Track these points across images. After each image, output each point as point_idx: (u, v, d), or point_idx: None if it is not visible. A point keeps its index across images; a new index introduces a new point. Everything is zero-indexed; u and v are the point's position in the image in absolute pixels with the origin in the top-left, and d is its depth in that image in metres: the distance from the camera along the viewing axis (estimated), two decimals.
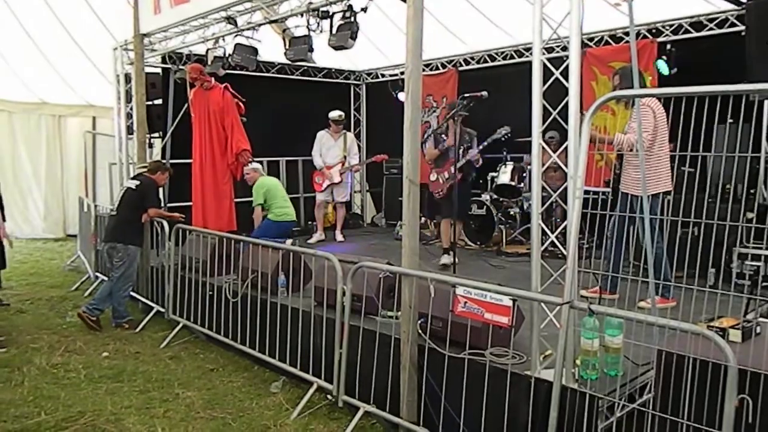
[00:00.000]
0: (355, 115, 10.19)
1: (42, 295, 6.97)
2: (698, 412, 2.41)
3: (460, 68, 8.68)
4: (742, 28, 5.86)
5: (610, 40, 7.08)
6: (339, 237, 8.27)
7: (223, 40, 6.30)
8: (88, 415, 3.91)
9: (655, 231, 4.19)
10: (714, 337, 2.36)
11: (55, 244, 10.36)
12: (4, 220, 6.41)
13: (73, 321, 5.82)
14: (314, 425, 3.79)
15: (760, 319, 2.87)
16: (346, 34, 5.03)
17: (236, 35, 6.04)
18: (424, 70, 8.06)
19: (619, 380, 2.98)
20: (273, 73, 9.02)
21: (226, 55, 6.28)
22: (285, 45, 5.90)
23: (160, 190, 6.15)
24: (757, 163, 5.33)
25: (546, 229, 3.27)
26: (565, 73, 3.07)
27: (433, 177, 6.42)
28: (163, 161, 6.90)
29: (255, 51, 6.09)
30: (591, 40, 7.13)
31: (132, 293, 6.04)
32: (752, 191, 5.34)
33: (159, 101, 7.50)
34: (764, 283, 4.54)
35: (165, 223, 5.86)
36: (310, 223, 8.92)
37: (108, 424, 3.80)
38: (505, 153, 7.33)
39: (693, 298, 2.90)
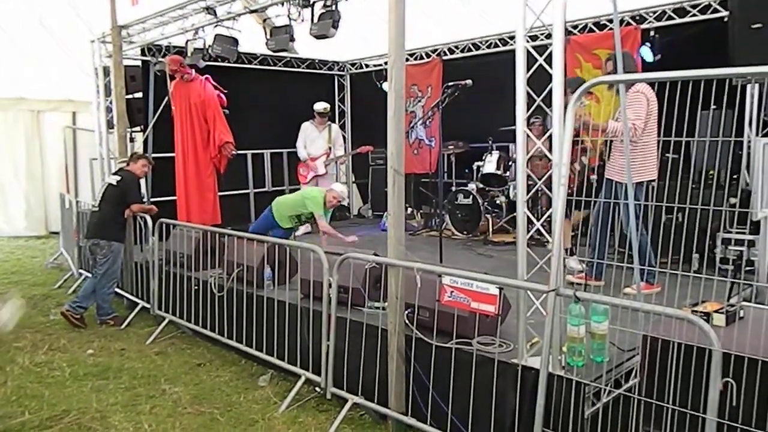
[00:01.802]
0: (339, 106, 10.12)
1: (25, 293, 6.86)
2: (683, 396, 2.43)
3: (445, 57, 8.63)
4: (725, 14, 5.88)
5: (594, 28, 7.07)
6: None
7: (203, 30, 6.20)
8: (73, 413, 3.86)
9: (639, 218, 4.21)
10: (698, 322, 2.38)
11: (37, 241, 10.20)
12: None
13: (56, 319, 5.74)
14: (303, 418, 3.77)
15: (744, 304, 2.89)
16: (328, 23, 4.98)
17: (216, 26, 5.94)
18: (408, 59, 8.02)
19: (605, 366, 2.99)
20: (255, 64, 8.90)
21: (206, 46, 6.19)
22: (266, 35, 5.83)
23: (142, 182, 6.06)
24: (740, 148, 5.37)
25: (532, 218, 3.26)
26: (549, 60, 3.05)
27: None
28: (141, 153, 6.78)
29: (235, 42, 6.00)
30: (575, 27, 7.12)
31: (116, 289, 5.97)
32: (735, 177, 5.38)
33: (139, 94, 7.38)
34: (747, 268, 4.58)
35: (148, 218, 5.78)
36: None
37: (93, 421, 3.75)
38: (490, 142, 7.32)
39: (678, 284, 2.91)
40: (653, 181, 4.60)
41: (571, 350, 3.07)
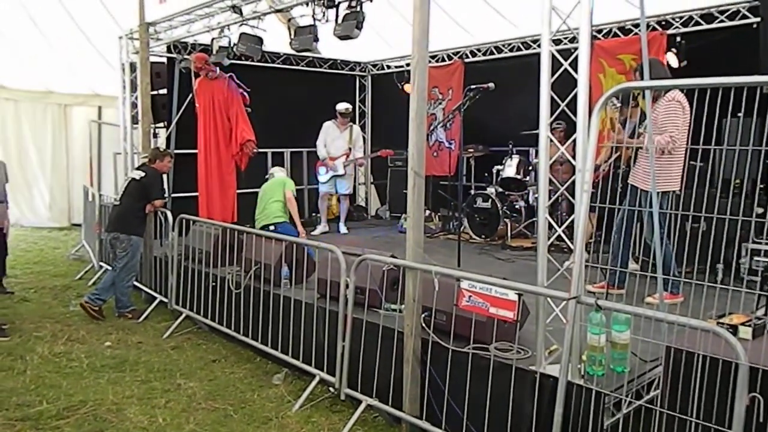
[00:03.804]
0: (360, 107, 10.13)
1: (46, 283, 6.98)
2: (707, 410, 2.37)
3: (467, 60, 8.60)
4: (755, 20, 5.76)
5: (618, 32, 6.99)
6: (343, 229, 8.24)
7: (228, 29, 6.25)
8: (89, 404, 3.89)
9: (663, 227, 4.13)
10: (724, 334, 2.31)
11: (59, 233, 10.37)
12: (7, 207, 6.42)
13: (76, 310, 5.82)
14: (316, 418, 3.77)
15: None
16: (352, 23, 4.97)
17: (241, 24, 5.99)
18: (429, 61, 7.98)
19: (626, 376, 2.94)
20: (278, 63, 8.96)
21: (231, 44, 6.24)
22: (290, 35, 5.85)
23: (164, 178, 6.11)
24: (767, 157, 5.24)
25: (553, 223, 3.21)
26: (574, 65, 3.01)
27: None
28: (164, 148, 6.84)
29: (260, 40, 6.04)
30: (599, 32, 7.04)
31: (135, 283, 6.03)
32: (762, 186, 5.26)
33: (164, 91, 7.45)
34: None
35: (169, 214, 5.84)
36: (313, 215, 8.89)
37: (109, 413, 3.78)
38: (510, 146, 7.26)
39: (704, 295, 2.84)
40: (677, 191, 4.50)
41: (591, 359, 3.02)
